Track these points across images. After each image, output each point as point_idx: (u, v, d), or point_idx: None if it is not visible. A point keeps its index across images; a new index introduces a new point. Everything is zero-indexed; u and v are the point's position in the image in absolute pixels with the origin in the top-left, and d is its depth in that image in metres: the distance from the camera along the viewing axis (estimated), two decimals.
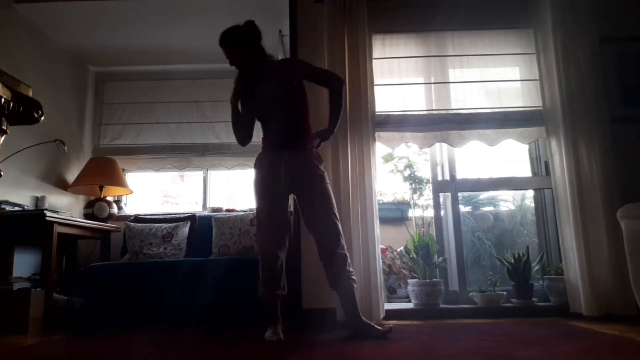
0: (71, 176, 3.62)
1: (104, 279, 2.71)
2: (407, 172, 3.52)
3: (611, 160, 2.61)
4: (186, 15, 3.30)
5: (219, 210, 3.63)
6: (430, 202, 3.17)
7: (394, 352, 1.70)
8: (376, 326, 2.01)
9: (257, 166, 2.17)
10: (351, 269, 2.06)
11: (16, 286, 2.52)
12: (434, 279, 2.73)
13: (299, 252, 2.63)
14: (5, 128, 2.16)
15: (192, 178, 4.22)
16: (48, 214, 2.61)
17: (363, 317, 2.05)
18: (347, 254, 2.07)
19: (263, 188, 2.12)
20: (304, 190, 2.10)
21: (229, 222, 3.20)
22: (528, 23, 2.95)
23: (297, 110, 2.13)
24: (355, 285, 2.05)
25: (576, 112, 2.67)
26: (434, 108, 2.94)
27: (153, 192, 4.25)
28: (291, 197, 2.24)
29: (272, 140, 2.16)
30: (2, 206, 2.75)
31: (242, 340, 2.05)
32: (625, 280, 2.28)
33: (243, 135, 2.28)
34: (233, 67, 2.21)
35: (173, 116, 4.01)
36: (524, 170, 3.17)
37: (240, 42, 2.14)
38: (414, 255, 2.79)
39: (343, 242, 2.07)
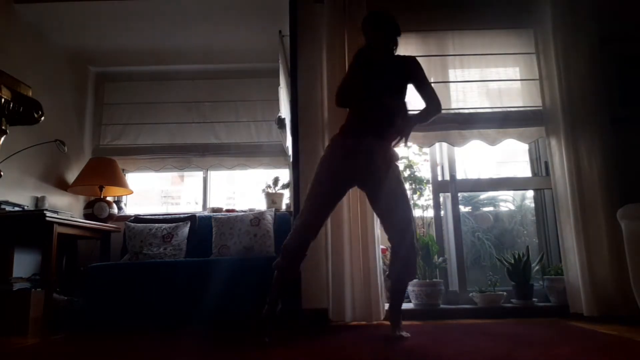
0: (71, 176, 3.62)
1: (104, 280, 2.71)
2: (407, 172, 3.51)
3: (611, 160, 2.60)
4: (186, 16, 3.30)
5: (218, 210, 3.63)
6: (430, 202, 3.16)
7: (394, 352, 1.70)
8: (402, 332, 2.02)
9: (333, 151, 2.07)
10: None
11: (16, 286, 2.53)
12: (434, 280, 2.73)
13: None
14: (5, 128, 2.17)
15: (192, 178, 4.21)
16: (48, 214, 2.61)
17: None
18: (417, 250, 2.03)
19: (330, 180, 2.03)
20: (379, 185, 2.06)
21: (229, 222, 3.20)
22: (528, 23, 2.95)
23: (399, 106, 2.12)
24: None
25: (576, 112, 2.67)
26: None
27: (153, 192, 4.25)
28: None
29: (363, 128, 2.06)
30: (2, 206, 2.74)
31: (241, 340, 2.04)
32: (626, 280, 2.28)
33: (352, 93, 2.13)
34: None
35: (173, 116, 4.01)
36: (524, 170, 3.17)
37: (394, 29, 2.23)
38: None
39: (414, 238, 2.03)
